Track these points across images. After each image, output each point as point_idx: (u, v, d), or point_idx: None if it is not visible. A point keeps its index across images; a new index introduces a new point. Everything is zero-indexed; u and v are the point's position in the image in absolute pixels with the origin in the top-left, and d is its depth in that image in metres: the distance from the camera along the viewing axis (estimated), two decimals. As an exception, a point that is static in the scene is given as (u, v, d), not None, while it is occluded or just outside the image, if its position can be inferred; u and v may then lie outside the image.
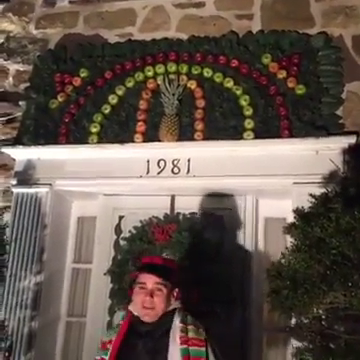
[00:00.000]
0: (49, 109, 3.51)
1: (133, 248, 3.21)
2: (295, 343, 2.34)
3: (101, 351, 2.19)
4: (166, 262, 2.33)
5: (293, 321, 2.40)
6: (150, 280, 2.17)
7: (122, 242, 3.31)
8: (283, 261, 2.14)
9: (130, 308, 2.22)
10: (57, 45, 3.72)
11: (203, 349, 2.08)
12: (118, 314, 3.12)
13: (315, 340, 2.20)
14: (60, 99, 3.51)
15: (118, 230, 3.43)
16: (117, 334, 2.15)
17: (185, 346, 2.05)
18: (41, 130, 3.48)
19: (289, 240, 2.32)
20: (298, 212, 2.22)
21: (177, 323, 2.12)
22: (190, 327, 2.12)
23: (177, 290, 2.23)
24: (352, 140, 2.97)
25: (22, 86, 3.70)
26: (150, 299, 2.14)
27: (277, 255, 2.44)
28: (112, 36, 3.63)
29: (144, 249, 3.19)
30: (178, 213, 3.28)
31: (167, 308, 2.17)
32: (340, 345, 2.11)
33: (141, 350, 2.08)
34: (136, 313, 2.18)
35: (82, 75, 3.53)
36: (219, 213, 3.27)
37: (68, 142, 3.40)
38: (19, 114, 3.60)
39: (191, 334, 2.10)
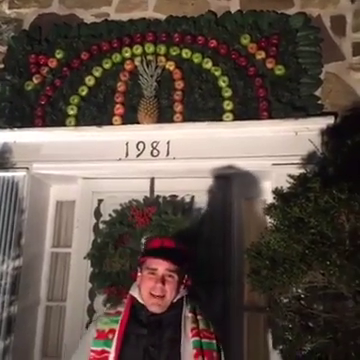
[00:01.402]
0: (25, 91, 3.43)
1: (113, 231, 3.19)
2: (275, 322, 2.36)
3: (100, 340, 1.94)
4: (179, 246, 2.11)
5: (273, 300, 2.43)
6: (162, 266, 1.99)
7: (102, 225, 3.29)
8: (262, 241, 2.15)
9: (133, 293, 2.04)
10: (32, 25, 3.62)
11: (214, 341, 1.99)
12: (99, 298, 3.12)
13: (294, 319, 2.22)
14: (36, 81, 3.43)
15: (97, 214, 3.40)
16: (119, 323, 1.95)
17: (197, 338, 1.93)
18: (17, 113, 3.40)
19: (269, 221, 2.34)
20: (277, 192, 2.23)
21: (187, 313, 2.00)
22: (200, 317, 2.02)
23: (187, 277, 2.08)
24: (331, 121, 2.98)
25: (-4, 67, 3.60)
26: (161, 286, 1.97)
27: (257, 236, 2.46)
28: (88, 16, 3.55)
29: (124, 232, 3.18)
30: (158, 196, 3.27)
31: (176, 297, 2.02)
32: (319, 324, 2.14)
33: (148, 342, 1.91)
34: (140, 300, 2.01)
35: (58, 56, 3.45)
36: (199, 195, 3.26)
37: (45, 125, 3.33)
38: (-6, 96, 3.51)
39: (202, 325, 1.99)
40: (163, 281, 1.98)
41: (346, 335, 2.02)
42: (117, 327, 1.94)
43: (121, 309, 2.01)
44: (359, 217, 1.85)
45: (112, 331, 1.94)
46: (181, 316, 1.97)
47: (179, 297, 2.03)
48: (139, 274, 2.07)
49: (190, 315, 1.99)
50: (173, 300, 2.00)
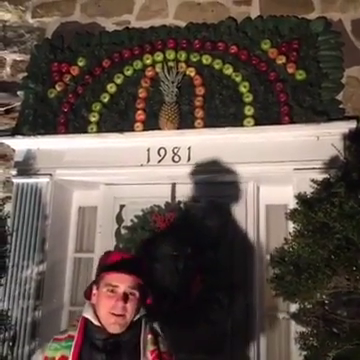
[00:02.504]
0: (47, 99, 3.49)
1: (134, 237, 3.23)
2: (299, 328, 2.35)
3: None
4: (138, 259, 1.99)
5: (296, 306, 2.42)
6: (124, 282, 1.79)
7: (123, 231, 3.32)
8: (286, 247, 2.14)
9: (86, 315, 1.82)
10: (54, 34, 3.69)
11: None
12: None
13: (319, 325, 2.21)
14: (58, 88, 3.48)
15: (119, 219, 3.42)
16: (73, 349, 1.73)
17: None
18: (40, 120, 3.45)
19: (291, 226, 2.33)
20: (300, 198, 2.23)
21: (146, 334, 1.81)
22: (160, 339, 1.84)
23: (148, 295, 1.88)
24: (353, 125, 2.96)
25: (20, 76, 3.66)
26: (123, 305, 1.77)
27: (278, 242, 2.46)
28: (109, 24, 3.59)
29: (145, 238, 3.20)
30: (179, 201, 3.29)
31: (136, 316, 1.82)
32: (344, 329, 2.13)
33: None
34: (95, 322, 1.79)
35: (80, 64, 3.50)
36: (220, 201, 3.26)
37: (67, 132, 3.38)
38: (18, 104, 3.57)
39: (162, 347, 1.82)
40: (125, 299, 1.78)
41: (372, 341, 2.00)
42: (69, 353, 1.73)
43: (73, 333, 1.79)
44: (385, 222, 1.84)
45: (64, 358, 1.73)
46: (140, 337, 1.79)
47: (138, 316, 1.84)
48: (95, 292, 1.86)
49: (150, 337, 1.81)
50: (133, 319, 1.81)
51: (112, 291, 1.79)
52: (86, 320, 1.81)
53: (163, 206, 3.27)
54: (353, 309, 2.20)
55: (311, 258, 1.95)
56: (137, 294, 1.81)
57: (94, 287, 1.87)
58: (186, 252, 3.15)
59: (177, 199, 3.29)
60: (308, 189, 2.51)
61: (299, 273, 2.00)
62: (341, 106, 3.08)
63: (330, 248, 1.87)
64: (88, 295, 1.89)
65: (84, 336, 1.77)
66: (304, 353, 2.26)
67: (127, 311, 1.78)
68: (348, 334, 2.02)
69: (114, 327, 1.77)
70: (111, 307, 1.77)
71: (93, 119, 3.36)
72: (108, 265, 1.84)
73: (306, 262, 1.99)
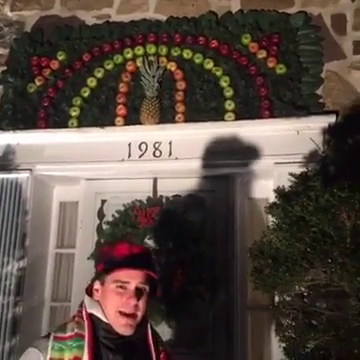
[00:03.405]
0: (27, 93, 3.45)
1: (116, 232, 3.22)
2: (279, 321, 2.37)
3: None
4: (147, 251, 1.79)
5: (276, 299, 2.44)
6: (136, 278, 1.63)
7: (105, 226, 3.31)
8: (265, 240, 2.16)
9: (94, 312, 1.64)
10: (33, 27, 3.64)
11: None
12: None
13: (298, 317, 2.23)
14: (38, 83, 3.45)
15: (101, 214, 3.41)
16: (87, 350, 1.54)
17: None
18: (19, 115, 3.42)
19: (271, 219, 2.35)
20: (279, 191, 2.24)
21: (150, 333, 1.69)
22: (159, 338, 1.75)
23: (158, 287, 1.73)
24: (332, 119, 2.98)
25: (-1, 70, 3.62)
26: (135, 303, 1.61)
27: (260, 235, 2.47)
28: (89, 18, 3.56)
29: (127, 233, 3.20)
30: (161, 196, 3.29)
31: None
32: (322, 321, 2.15)
33: None
34: (105, 319, 1.62)
35: (60, 58, 3.46)
36: (202, 195, 3.27)
37: (47, 126, 3.35)
38: (-4, 99, 3.53)
39: (160, 346, 1.72)
40: (138, 296, 1.61)
41: (349, 332, 2.03)
42: (82, 354, 1.53)
43: (80, 331, 1.59)
44: (360, 215, 1.86)
45: (77, 359, 1.53)
46: (147, 335, 1.67)
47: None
48: (98, 287, 1.69)
49: (152, 336, 1.69)
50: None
51: (122, 287, 1.62)
52: (92, 317, 1.63)
53: (145, 201, 3.27)
54: (331, 301, 2.23)
55: (288, 251, 1.97)
56: (148, 288, 1.65)
57: (97, 282, 1.69)
58: (168, 246, 3.16)
59: (159, 194, 3.30)
60: (288, 183, 2.53)
61: (277, 266, 2.02)
62: (321, 100, 3.10)
63: (307, 241, 1.89)
64: (90, 291, 1.71)
65: (94, 336, 1.58)
66: (283, 345, 2.29)
67: (139, 309, 1.62)
68: (325, 326, 2.05)
69: (125, 329, 1.59)
70: (121, 305, 1.61)
71: (73, 114, 3.34)
72: (117, 260, 1.64)
73: (284, 255, 2.01)
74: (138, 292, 1.62)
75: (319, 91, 3.12)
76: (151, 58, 3.32)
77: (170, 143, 3.19)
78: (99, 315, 1.63)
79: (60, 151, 3.28)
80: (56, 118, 3.37)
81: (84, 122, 3.32)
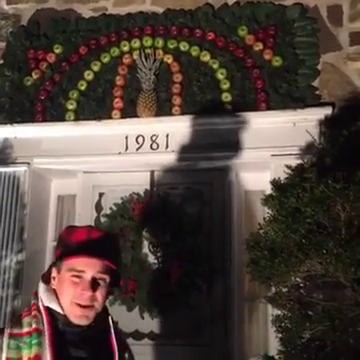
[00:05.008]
0: (24, 86, 3.45)
1: (114, 225, 3.23)
2: (276, 312, 2.39)
3: None
4: (109, 236, 1.58)
5: (273, 290, 2.46)
6: (92, 267, 1.47)
7: (103, 219, 3.32)
8: (261, 232, 2.17)
9: (48, 304, 1.48)
10: (30, 21, 3.63)
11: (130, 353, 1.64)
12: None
13: (294, 308, 2.25)
14: (35, 76, 3.45)
15: (98, 207, 3.41)
16: (48, 345, 1.40)
17: (127, 353, 1.60)
18: (16, 108, 3.42)
19: (267, 211, 2.36)
20: (275, 183, 2.25)
21: (111, 324, 1.56)
22: (118, 328, 1.65)
23: (119, 276, 1.57)
24: (328, 111, 2.99)
25: (-5, 63, 3.62)
26: (90, 294, 1.45)
27: (257, 227, 2.48)
28: (86, 10, 3.55)
29: (125, 225, 3.21)
30: (158, 189, 3.29)
31: (105, 302, 1.53)
32: (318, 312, 2.17)
33: None
34: (61, 311, 1.47)
35: (56, 51, 3.46)
36: (199, 187, 3.28)
37: (45, 120, 3.36)
38: (-7, 92, 3.53)
39: (121, 338, 1.60)
40: (93, 287, 1.46)
41: (344, 322, 2.04)
42: (45, 352, 1.39)
43: (38, 326, 1.43)
44: (354, 206, 1.87)
45: (38, 357, 1.38)
46: (110, 330, 1.54)
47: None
48: (54, 275, 1.52)
49: (114, 326, 1.56)
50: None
51: (77, 276, 1.46)
52: (50, 310, 1.48)
53: (142, 194, 3.28)
54: (327, 291, 2.24)
55: (284, 242, 1.99)
56: (107, 279, 1.49)
57: (54, 270, 1.52)
58: (165, 239, 3.18)
59: (156, 187, 3.30)
60: (285, 175, 2.54)
61: (273, 257, 2.04)
62: (317, 92, 3.10)
63: (302, 232, 1.91)
64: (47, 278, 1.55)
65: (53, 330, 1.44)
66: (280, 335, 2.31)
67: (96, 300, 1.47)
68: (321, 316, 2.06)
69: (81, 320, 1.46)
70: (76, 296, 1.46)
71: (71, 107, 3.34)
72: (72, 246, 1.48)
73: (280, 247, 2.02)
74: (94, 283, 1.46)
75: (315, 83, 3.12)
76: (148, 51, 3.32)
77: (167, 136, 3.20)
78: (56, 307, 1.48)
79: (57, 144, 3.28)
80: (53, 111, 3.37)
81: (81, 115, 3.33)
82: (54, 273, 1.53)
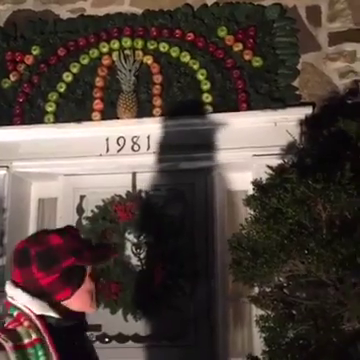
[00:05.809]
0: (2, 89, 3.39)
1: (96, 227, 3.21)
2: (260, 312, 2.40)
3: None
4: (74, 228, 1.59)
5: (256, 290, 2.46)
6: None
7: (85, 222, 3.29)
8: (243, 232, 2.18)
9: (41, 312, 1.40)
10: (7, 22, 3.57)
11: None
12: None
13: (277, 307, 2.26)
14: (12, 78, 3.40)
15: (80, 210, 3.39)
16: (53, 354, 1.37)
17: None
18: (-6, 111, 3.38)
19: (249, 212, 2.36)
20: (256, 184, 2.25)
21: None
22: None
23: None
24: (309, 111, 3.01)
25: (-28, 66, 3.55)
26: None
27: (239, 227, 2.48)
28: (64, 12, 3.51)
29: (107, 228, 3.19)
30: (140, 190, 3.28)
31: None
32: (301, 311, 2.18)
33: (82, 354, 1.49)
34: (55, 315, 1.41)
35: (34, 53, 3.41)
36: (181, 188, 3.28)
37: (23, 123, 3.31)
38: (-30, 95, 3.46)
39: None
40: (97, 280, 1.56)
41: (327, 321, 2.06)
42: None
43: (37, 336, 1.39)
44: (335, 206, 1.88)
45: None
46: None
47: None
48: (69, 294, 1.43)
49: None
50: None
51: (91, 275, 1.49)
52: (44, 318, 1.41)
53: (124, 196, 3.26)
54: (310, 291, 2.25)
55: (266, 243, 1.99)
56: None
57: (68, 289, 1.45)
58: (148, 240, 3.17)
59: (138, 188, 3.29)
60: (266, 175, 2.54)
61: (256, 258, 2.04)
62: (297, 92, 3.12)
63: (284, 233, 1.91)
64: (39, 293, 1.42)
65: (51, 334, 1.39)
66: (264, 335, 2.31)
67: None
68: (304, 315, 2.07)
69: (95, 309, 1.52)
70: (93, 289, 1.50)
71: (50, 109, 3.30)
72: (84, 250, 1.46)
73: (262, 247, 2.03)
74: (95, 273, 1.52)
75: (295, 83, 3.14)
76: (127, 52, 3.30)
77: (148, 137, 3.19)
78: (52, 314, 1.41)
79: (37, 147, 3.24)
80: (32, 114, 3.33)
81: (60, 117, 3.29)
82: (68, 292, 1.43)
